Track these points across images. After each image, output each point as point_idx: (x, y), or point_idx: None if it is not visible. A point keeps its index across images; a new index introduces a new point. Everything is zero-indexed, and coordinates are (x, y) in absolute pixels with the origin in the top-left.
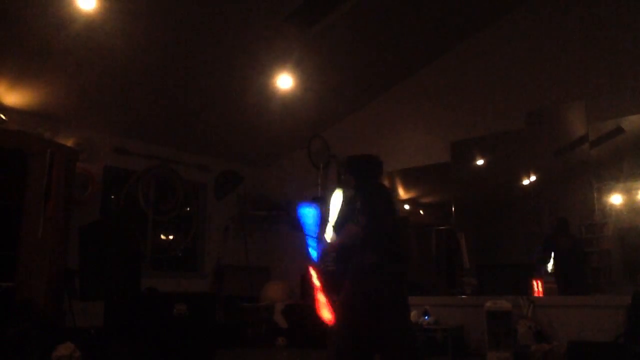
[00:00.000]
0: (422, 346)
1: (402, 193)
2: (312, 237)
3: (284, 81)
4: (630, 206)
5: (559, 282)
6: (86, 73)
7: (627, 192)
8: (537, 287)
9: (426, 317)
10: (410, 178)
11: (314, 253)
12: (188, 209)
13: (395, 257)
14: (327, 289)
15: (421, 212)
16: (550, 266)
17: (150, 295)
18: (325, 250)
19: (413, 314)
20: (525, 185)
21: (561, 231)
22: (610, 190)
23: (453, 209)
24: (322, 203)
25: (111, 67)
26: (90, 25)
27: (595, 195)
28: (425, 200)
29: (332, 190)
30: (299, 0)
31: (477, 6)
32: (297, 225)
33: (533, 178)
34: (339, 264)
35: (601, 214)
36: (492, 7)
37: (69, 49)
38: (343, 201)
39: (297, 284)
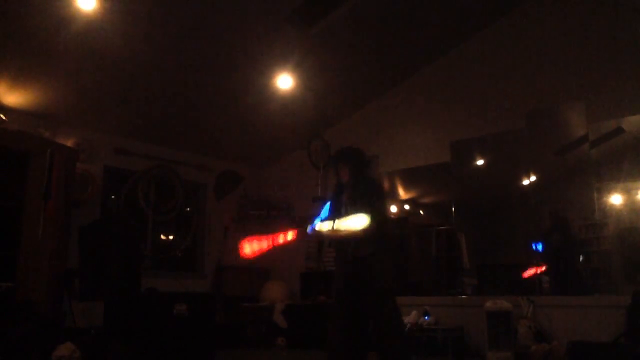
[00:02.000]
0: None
1: (402, 193)
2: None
3: (284, 81)
4: (630, 206)
5: (552, 281)
6: (86, 73)
7: (627, 192)
8: None
9: (426, 317)
10: (410, 178)
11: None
12: (188, 209)
13: (387, 251)
14: None
15: (421, 212)
16: None
17: (150, 295)
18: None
19: (413, 314)
20: (525, 185)
21: (554, 228)
22: (610, 190)
23: (453, 209)
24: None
25: (111, 67)
26: (90, 25)
27: (595, 195)
28: (425, 200)
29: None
30: (299, 0)
31: (476, 6)
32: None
33: (533, 178)
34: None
35: (601, 214)
36: (492, 8)
37: (69, 49)
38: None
39: (297, 283)
